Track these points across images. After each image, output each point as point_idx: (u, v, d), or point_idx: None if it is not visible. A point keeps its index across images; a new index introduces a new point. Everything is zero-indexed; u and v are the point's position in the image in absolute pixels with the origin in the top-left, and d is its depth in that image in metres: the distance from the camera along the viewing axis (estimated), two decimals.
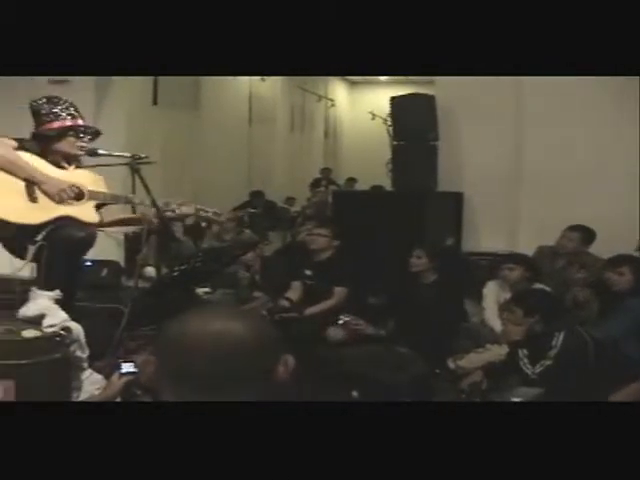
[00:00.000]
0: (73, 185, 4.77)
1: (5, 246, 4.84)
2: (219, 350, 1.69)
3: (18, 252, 4.73)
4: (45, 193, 4.62)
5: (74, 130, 4.87)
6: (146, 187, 4.94)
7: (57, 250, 4.56)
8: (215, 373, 1.68)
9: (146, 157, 5.11)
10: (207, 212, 5.34)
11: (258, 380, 1.72)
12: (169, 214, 5.09)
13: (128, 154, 5.07)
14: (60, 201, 4.65)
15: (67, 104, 4.91)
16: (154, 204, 4.96)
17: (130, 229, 5.39)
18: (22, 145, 4.70)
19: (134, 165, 5.04)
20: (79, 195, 4.81)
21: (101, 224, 5.01)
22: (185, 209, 5.18)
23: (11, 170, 4.56)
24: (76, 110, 4.93)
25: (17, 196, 4.57)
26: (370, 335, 6.58)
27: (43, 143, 4.82)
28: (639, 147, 7.77)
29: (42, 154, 4.78)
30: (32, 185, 4.61)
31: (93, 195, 4.86)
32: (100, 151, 4.96)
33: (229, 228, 9.91)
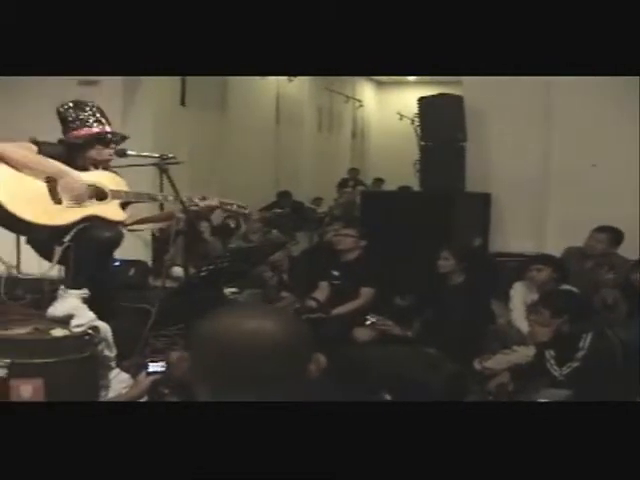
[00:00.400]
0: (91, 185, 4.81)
1: (34, 248, 4.89)
2: (253, 348, 1.70)
3: (45, 254, 4.77)
4: (64, 191, 4.66)
5: (101, 137, 4.89)
6: (174, 187, 4.97)
7: (85, 250, 4.59)
8: (248, 371, 1.69)
9: (174, 157, 5.13)
10: (231, 205, 5.37)
11: (290, 379, 1.73)
12: (194, 208, 5.11)
13: (156, 154, 5.10)
14: (78, 199, 4.68)
15: (94, 110, 4.91)
16: (180, 201, 4.98)
17: (158, 226, 5.41)
18: (42, 149, 4.73)
19: (162, 165, 5.08)
20: (102, 195, 4.83)
21: (129, 222, 5.04)
22: (209, 202, 5.20)
23: (35, 170, 4.61)
24: (103, 116, 4.93)
25: (42, 198, 4.61)
26: (397, 336, 6.57)
27: (71, 149, 4.85)
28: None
29: (70, 159, 4.81)
30: (55, 186, 4.64)
31: (116, 194, 4.89)
32: (129, 152, 5.00)
33: (256, 228, 9.93)
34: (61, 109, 4.88)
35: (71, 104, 4.88)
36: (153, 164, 5.24)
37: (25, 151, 4.63)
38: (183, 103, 10.80)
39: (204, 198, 5.19)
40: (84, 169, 4.85)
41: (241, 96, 13.02)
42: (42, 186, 4.63)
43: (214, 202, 5.23)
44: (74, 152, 4.85)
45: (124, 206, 4.97)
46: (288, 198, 13.62)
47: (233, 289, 7.32)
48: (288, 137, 15.31)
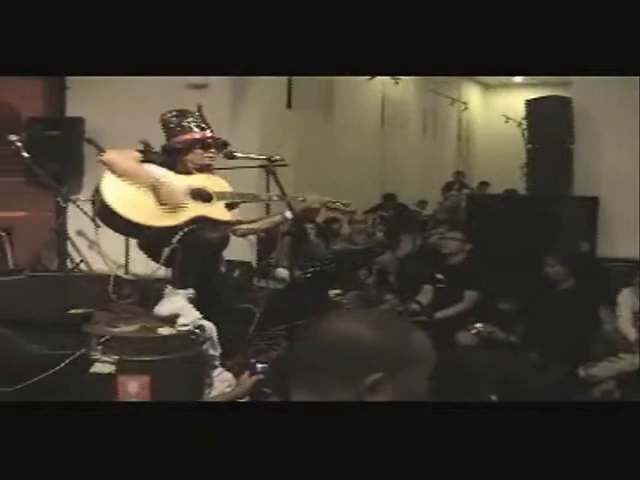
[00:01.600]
0: (196, 188, 4.88)
1: (144, 251, 5.00)
2: (352, 351, 1.70)
3: (153, 255, 4.87)
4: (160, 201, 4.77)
5: (202, 142, 4.98)
6: (281, 189, 4.99)
7: (191, 252, 4.68)
8: (347, 373, 1.69)
9: (281, 159, 5.17)
10: (335, 203, 5.36)
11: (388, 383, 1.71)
12: (300, 207, 5.13)
13: (264, 156, 5.16)
14: (169, 210, 4.76)
15: (196, 116, 5.03)
16: (287, 203, 5.01)
17: (266, 227, 5.42)
18: (148, 157, 4.86)
19: (270, 167, 5.12)
20: (207, 197, 4.90)
21: (235, 223, 5.09)
22: (313, 198, 5.22)
23: (137, 180, 4.76)
24: (204, 122, 5.04)
25: (150, 201, 4.75)
26: (501, 341, 6.48)
27: (174, 155, 4.96)
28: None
29: (173, 165, 4.93)
30: (160, 190, 4.74)
31: (220, 195, 4.98)
32: (237, 154, 5.07)
33: (360, 230, 9.93)
34: (164, 117, 5.01)
35: (174, 112, 5.01)
36: (260, 166, 5.29)
37: (129, 161, 4.80)
38: (289, 105, 10.87)
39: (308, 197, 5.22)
40: (187, 173, 4.97)
41: (347, 98, 13.04)
42: (148, 191, 4.75)
43: (319, 199, 5.25)
44: (177, 157, 4.99)
45: (229, 208, 5.04)
46: (393, 200, 13.59)
47: (337, 291, 7.34)
48: (393, 139, 15.28)
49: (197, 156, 4.98)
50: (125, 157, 4.81)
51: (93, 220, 4.89)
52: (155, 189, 4.75)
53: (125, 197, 4.69)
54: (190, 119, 4.99)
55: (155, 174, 4.81)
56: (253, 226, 5.33)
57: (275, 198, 5.14)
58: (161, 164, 4.91)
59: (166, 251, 4.69)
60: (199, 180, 4.99)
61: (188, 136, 4.96)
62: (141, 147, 5.33)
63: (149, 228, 4.69)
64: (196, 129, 4.98)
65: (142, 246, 5.04)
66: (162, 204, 4.74)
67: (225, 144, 5.14)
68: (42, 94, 8.99)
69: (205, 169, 5.05)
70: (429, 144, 17.55)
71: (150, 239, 4.84)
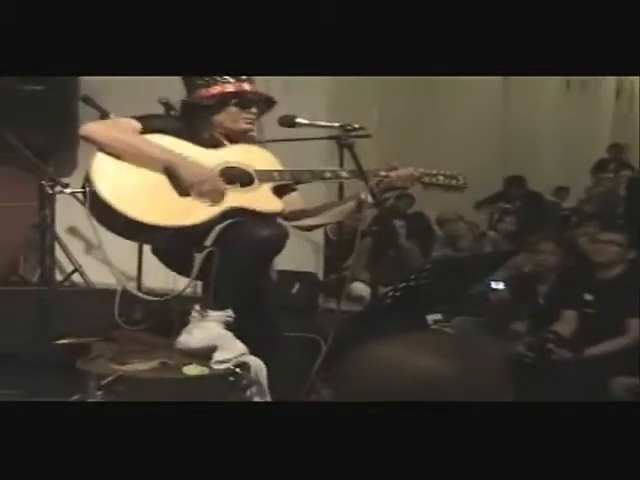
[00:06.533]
0: (229, 166, 4.84)
1: (160, 259, 4.98)
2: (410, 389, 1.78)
3: (177, 264, 4.85)
4: (183, 185, 4.67)
5: (238, 98, 4.92)
6: (360, 169, 4.89)
7: (232, 256, 4.60)
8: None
9: (361, 128, 5.08)
10: (435, 176, 5.23)
11: None
12: (383, 185, 5.02)
13: (336, 124, 5.06)
14: (200, 195, 4.70)
15: None
16: (365, 180, 4.84)
17: (339, 218, 5.34)
18: (154, 125, 4.81)
19: (345, 139, 5.01)
20: (246, 178, 4.84)
21: (290, 215, 5.06)
22: (403, 173, 5.12)
23: (141, 158, 4.66)
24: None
25: (164, 192, 4.67)
26: None
27: (195, 115, 4.91)
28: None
29: (195, 133, 4.87)
30: (177, 174, 4.64)
31: (264, 175, 4.88)
32: (299, 120, 4.98)
33: (466, 231, 9.93)
34: None
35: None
36: (331, 137, 5.27)
37: (123, 134, 4.70)
38: None
39: (394, 168, 5.09)
40: (215, 145, 4.92)
41: None
42: (160, 176, 4.68)
43: (412, 172, 5.11)
44: (201, 120, 4.92)
45: (280, 192, 4.98)
46: (520, 187, 13.53)
47: (437, 316, 7.34)
48: (522, 100, 15.17)
49: (230, 118, 4.90)
50: (117, 128, 4.73)
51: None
52: (170, 172, 4.66)
53: (128, 187, 4.61)
54: None
55: (167, 150, 4.71)
56: (317, 220, 5.23)
57: (344, 174, 5.08)
58: (178, 133, 4.81)
59: (198, 258, 4.64)
60: (234, 153, 4.90)
61: (218, 89, 4.87)
62: (159, 108, 5.34)
63: (166, 229, 4.59)
64: (230, 79, 4.88)
65: (158, 253, 5.02)
66: (182, 193, 4.66)
67: (271, 102, 5.06)
68: None
69: (241, 136, 5.00)
70: (572, 105, 17.34)
71: (169, 244, 4.80)
